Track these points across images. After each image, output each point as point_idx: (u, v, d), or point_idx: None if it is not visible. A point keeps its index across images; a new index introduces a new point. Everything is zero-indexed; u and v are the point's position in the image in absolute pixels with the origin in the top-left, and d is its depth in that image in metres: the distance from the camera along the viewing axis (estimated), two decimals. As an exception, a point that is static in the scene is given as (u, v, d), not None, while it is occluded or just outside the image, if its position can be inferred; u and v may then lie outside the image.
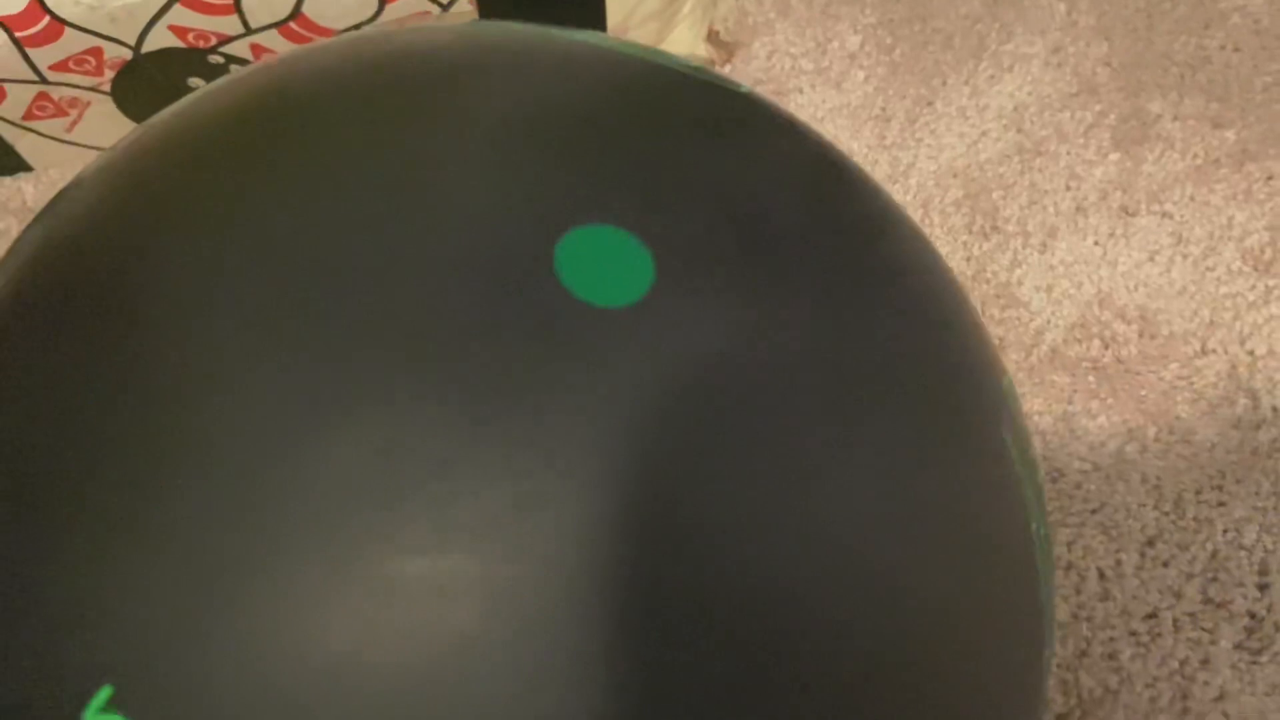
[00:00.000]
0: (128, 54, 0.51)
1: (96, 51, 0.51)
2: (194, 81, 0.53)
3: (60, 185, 0.57)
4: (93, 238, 0.20)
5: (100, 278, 0.20)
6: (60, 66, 0.51)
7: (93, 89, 0.53)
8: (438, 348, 0.18)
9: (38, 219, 0.23)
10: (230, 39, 0.51)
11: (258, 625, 0.17)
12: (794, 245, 0.20)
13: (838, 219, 0.22)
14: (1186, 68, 0.54)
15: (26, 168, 0.57)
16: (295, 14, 0.50)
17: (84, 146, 0.57)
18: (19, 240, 0.23)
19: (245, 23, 0.50)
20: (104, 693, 0.17)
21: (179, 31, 0.50)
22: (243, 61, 0.52)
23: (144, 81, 0.53)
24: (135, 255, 0.20)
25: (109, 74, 0.52)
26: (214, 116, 0.22)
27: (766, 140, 0.22)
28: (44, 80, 0.52)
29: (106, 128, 0.56)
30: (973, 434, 0.21)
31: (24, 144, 0.56)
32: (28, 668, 0.18)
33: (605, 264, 0.19)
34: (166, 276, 0.19)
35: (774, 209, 0.21)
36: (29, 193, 0.57)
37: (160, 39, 0.51)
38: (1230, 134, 0.51)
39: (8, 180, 0.58)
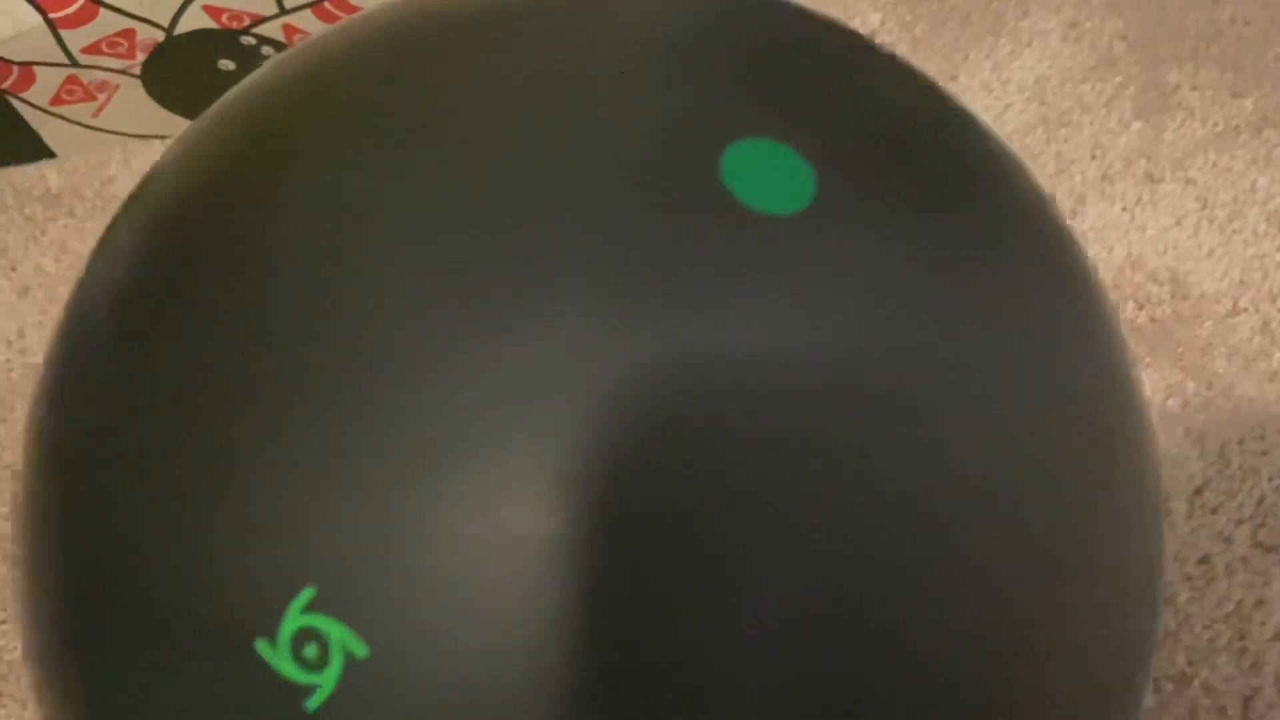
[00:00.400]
0: (160, 35, 0.51)
1: (129, 34, 0.51)
2: (224, 64, 0.53)
3: (84, 173, 0.57)
4: (257, 164, 0.21)
5: (274, 201, 0.20)
6: (92, 49, 0.51)
7: (123, 72, 0.53)
8: (615, 250, 0.18)
9: (168, 162, 0.24)
10: (264, 19, 0.51)
11: (450, 521, 0.17)
12: (940, 162, 0.21)
13: (969, 140, 0.22)
14: (1200, 40, 0.55)
15: (50, 154, 0.57)
16: (330, -7, 0.50)
17: (109, 133, 0.57)
18: (154, 178, 0.23)
19: (280, 2, 0.50)
20: (306, 594, 0.17)
21: (213, 12, 0.50)
22: (275, 43, 0.53)
23: (174, 64, 0.53)
24: (308, 176, 0.20)
25: (140, 56, 0.52)
26: (356, 47, 0.22)
27: (895, 63, 0.23)
28: (75, 63, 0.52)
29: (134, 112, 0.55)
30: (1115, 350, 0.22)
31: (49, 129, 0.56)
32: (231, 574, 0.18)
33: (768, 175, 0.19)
34: (342, 193, 0.19)
35: (919, 127, 0.21)
36: (53, 179, 0.57)
37: (194, 20, 0.51)
38: (1248, 102, 0.53)
39: (30, 168, 0.57)
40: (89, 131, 0.56)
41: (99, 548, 0.19)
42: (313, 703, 0.17)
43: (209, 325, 0.19)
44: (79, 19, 0.49)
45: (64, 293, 0.52)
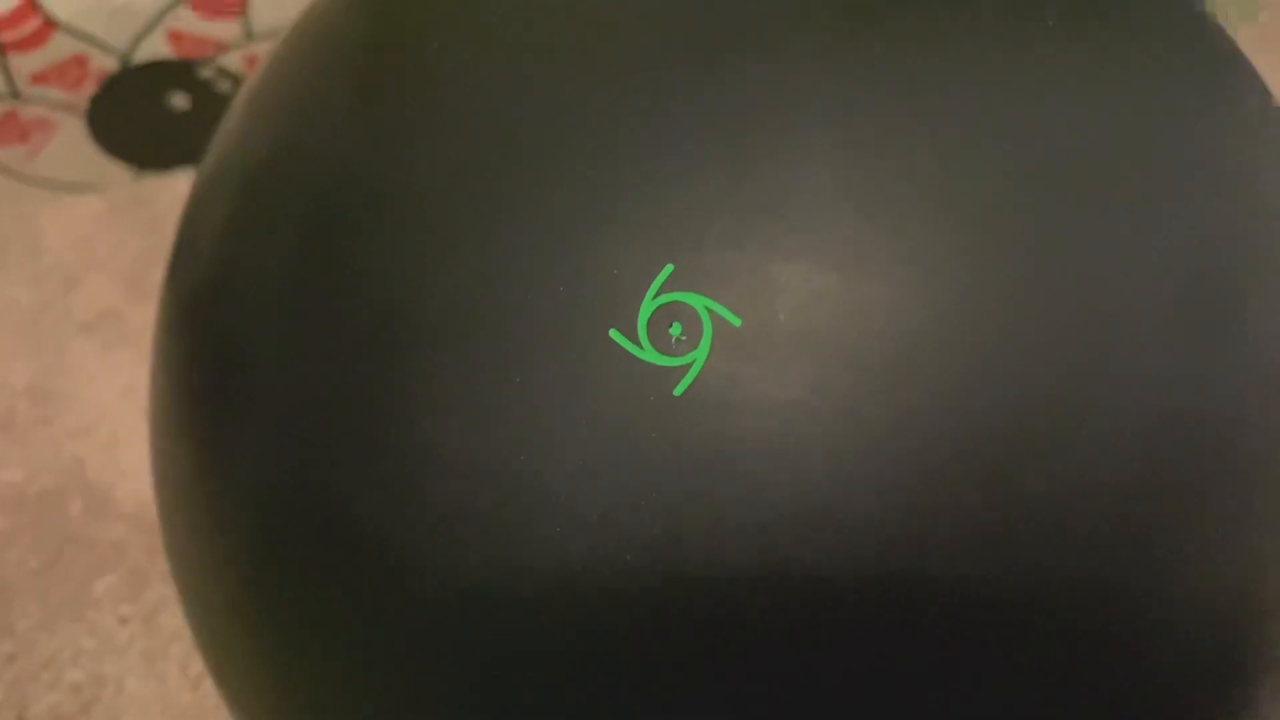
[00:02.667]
0: (114, 64, 0.49)
1: (81, 60, 0.48)
2: (176, 100, 0.52)
3: (8, 228, 0.53)
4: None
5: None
6: (42, 78, 0.48)
7: (68, 107, 0.50)
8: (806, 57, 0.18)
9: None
10: (228, 48, 0.50)
11: None
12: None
13: None
14: None
15: (-30, 206, 0.53)
16: (301, 19, 0.50)
17: (39, 181, 0.53)
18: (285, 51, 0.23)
19: (248, 29, 0.49)
20: (666, 271, 0.16)
21: (176, 38, 0.49)
22: (234, 76, 0.51)
23: (124, 98, 0.51)
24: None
25: (89, 89, 0.50)
26: None
27: None
28: (18, 96, 0.49)
29: (71, 157, 0.52)
30: None
31: (-26, 176, 0.52)
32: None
33: None
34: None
35: None
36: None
37: (154, 46, 0.49)
38: None
39: (-54, 222, 0.53)
40: (14, 183, 0.52)
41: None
42: (679, 388, 0.16)
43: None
44: (32, 42, 0.47)
45: None
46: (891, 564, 0.16)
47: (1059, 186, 0.17)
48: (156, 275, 0.51)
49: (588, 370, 0.16)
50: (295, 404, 0.19)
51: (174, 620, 0.39)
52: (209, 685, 0.38)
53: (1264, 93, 0.21)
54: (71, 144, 0.52)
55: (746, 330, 0.16)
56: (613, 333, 0.16)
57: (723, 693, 0.16)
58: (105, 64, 0.49)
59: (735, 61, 0.17)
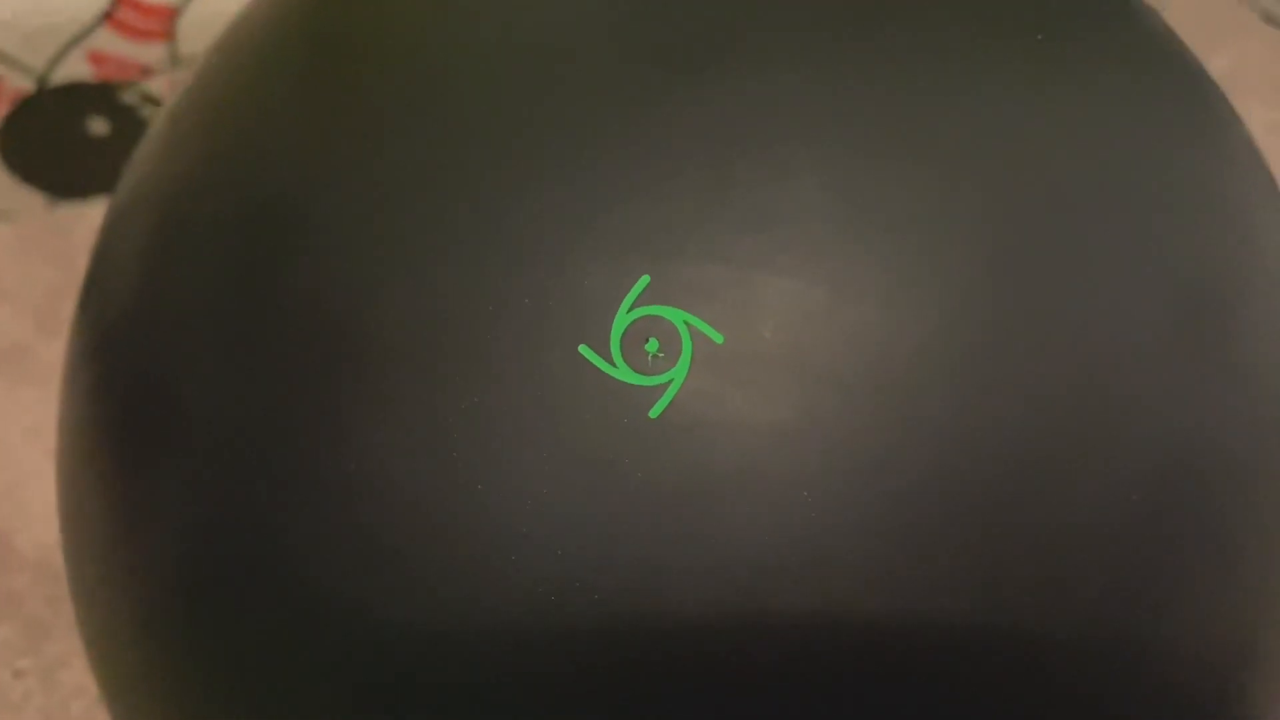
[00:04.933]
0: (30, 84, 0.47)
1: (-5, 80, 0.46)
2: (95, 125, 0.49)
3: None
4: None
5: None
6: (-50, 98, 0.46)
7: (-23, 129, 0.48)
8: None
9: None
10: (152, 73, 0.48)
11: None
12: None
13: None
14: None
15: None
16: (231, 44, 0.48)
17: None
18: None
19: (174, 53, 0.47)
20: (642, 282, 0.15)
21: (97, 60, 0.47)
22: (156, 102, 0.49)
23: (39, 123, 0.48)
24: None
25: (3, 108, 0.47)
26: None
27: None
28: (-77, 116, 0.46)
29: (-22, 183, 0.50)
30: None
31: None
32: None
33: None
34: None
35: None
36: None
37: (72, 67, 0.47)
38: None
39: None
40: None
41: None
42: (655, 409, 0.15)
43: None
44: (-59, 59, 0.44)
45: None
46: (878, 603, 0.15)
47: (1049, 208, 0.17)
48: (68, 309, 0.48)
49: (554, 390, 0.15)
50: (224, 435, 0.17)
51: (76, 676, 0.36)
52: (113, 746, 0.35)
53: (1230, 111, 0.21)
54: (-20, 169, 0.49)
55: (729, 347, 0.15)
56: (582, 348, 0.15)
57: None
58: (20, 84, 0.46)
59: (722, 70, 0.16)
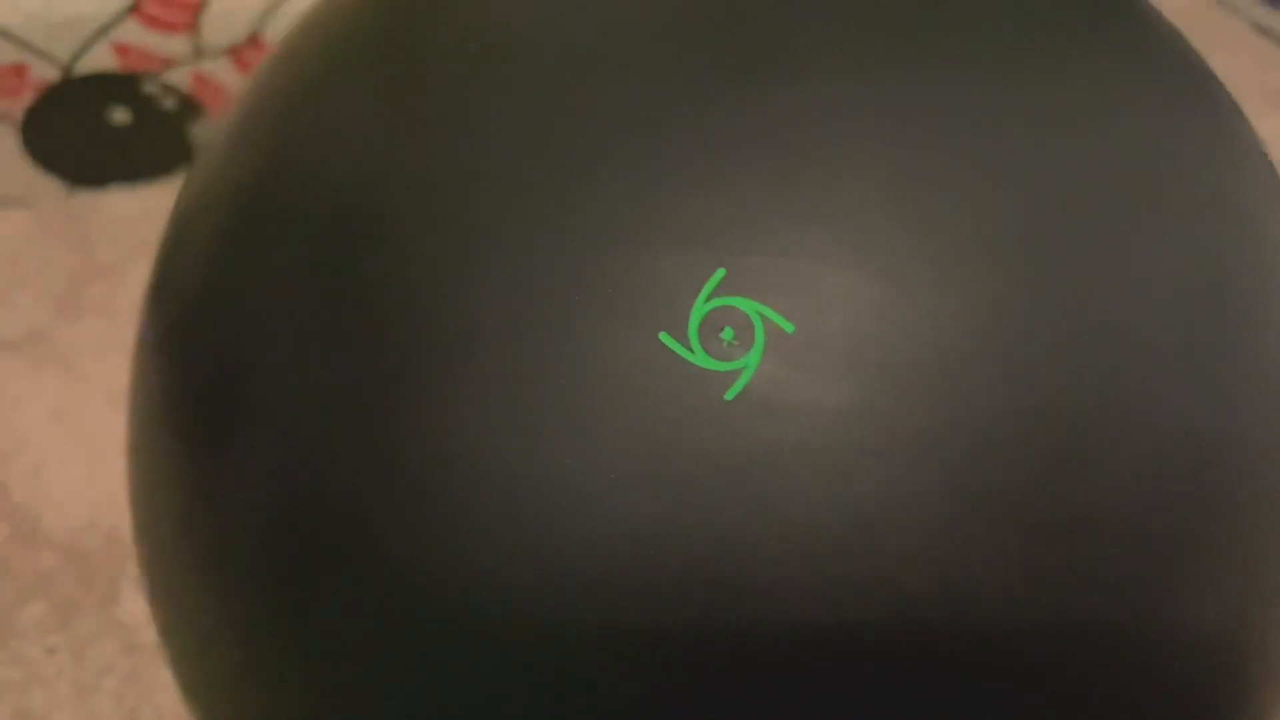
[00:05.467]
0: (56, 74, 0.47)
1: (22, 70, 0.47)
2: (117, 115, 0.50)
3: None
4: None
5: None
6: (-24, 84, 0.47)
7: (2, 117, 0.48)
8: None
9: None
10: (175, 64, 0.49)
11: None
12: None
13: None
14: None
15: (-112, 216, 0.50)
16: (253, 37, 0.49)
17: (-35, 191, 0.51)
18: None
19: (198, 45, 0.48)
20: (718, 275, 0.16)
21: (121, 51, 0.48)
22: (179, 93, 0.50)
23: (63, 111, 0.49)
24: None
25: (28, 98, 0.48)
26: None
27: None
28: (-52, 102, 0.47)
29: (2, 170, 0.50)
30: None
31: (-104, 184, 0.49)
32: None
33: None
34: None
35: None
36: (-109, 243, 0.50)
37: (98, 59, 0.47)
38: None
39: None
40: (-62, 192, 0.50)
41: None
42: (730, 392, 0.16)
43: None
44: (-31, 47, 0.45)
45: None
46: (925, 574, 0.16)
47: (1080, 207, 0.18)
48: (88, 295, 0.49)
49: (635, 374, 0.16)
50: (304, 409, 0.18)
51: (106, 653, 0.37)
52: (146, 717, 0.36)
53: (1238, 111, 0.22)
54: (2, 155, 0.50)
55: (799, 337, 0.16)
56: (663, 335, 0.16)
57: (762, 708, 0.16)
58: (46, 74, 0.47)
59: (788, 75, 0.17)
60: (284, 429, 0.18)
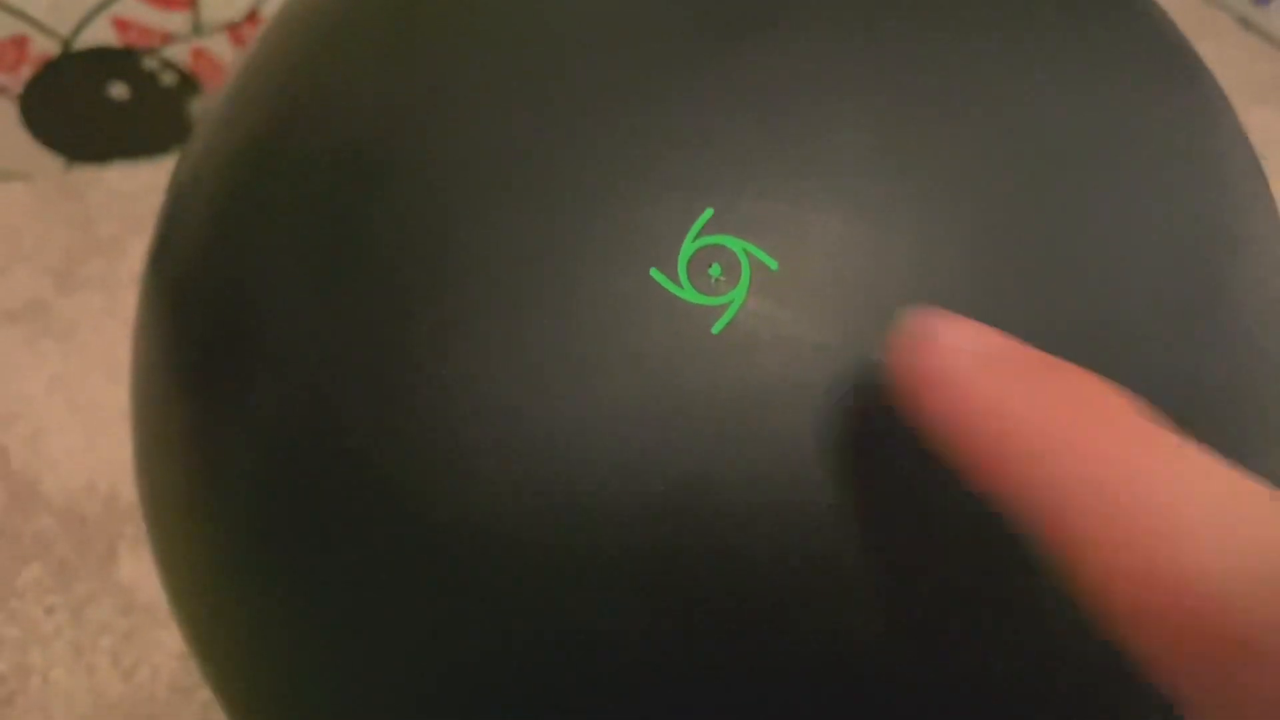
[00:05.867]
0: (55, 48, 0.48)
1: (22, 42, 0.47)
2: (116, 90, 0.51)
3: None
4: None
5: None
6: (-24, 57, 0.47)
7: (1, 90, 0.49)
8: None
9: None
10: (174, 40, 0.49)
11: None
12: None
13: None
14: None
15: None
16: (252, 14, 0.50)
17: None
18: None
19: (197, 21, 0.49)
20: (706, 215, 0.17)
21: (121, 26, 0.48)
22: (178, 69, 0.51)
23: (61, 85, 0.50)
24: None
25: (26, 72, 0.49)
26: None
27: None
28: (-50, 74, 0.47)
29: (1, 143, 0.51)
30: None
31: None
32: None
33: None
34: None
35: None
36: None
37: (98, 33, 0.48)
38: None
39: None
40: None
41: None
42: (717, 326, 0.17)
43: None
44: (-29, 19, 0.45)
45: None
46: (899, 505, 0.17)
47: (1062, 164, 0.19)
48: (86, 269, 0.50)
49: (627, 309, 0.17)
50: (311, 351, 0.18)
51: (104, 613, 0.38)
52: (143, 677, 0.36)
53: (1216, 85, 0.23)
54: (1, 129, 0.50)
55: (782, 274, 0.17)
56: (653, 272, 0.17)
57: (750, 638, 0.17)
58: (46, 48, 0.48)
59: (778, 29, 0.18)
60: (288, 374, 0.19)
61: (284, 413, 0.19)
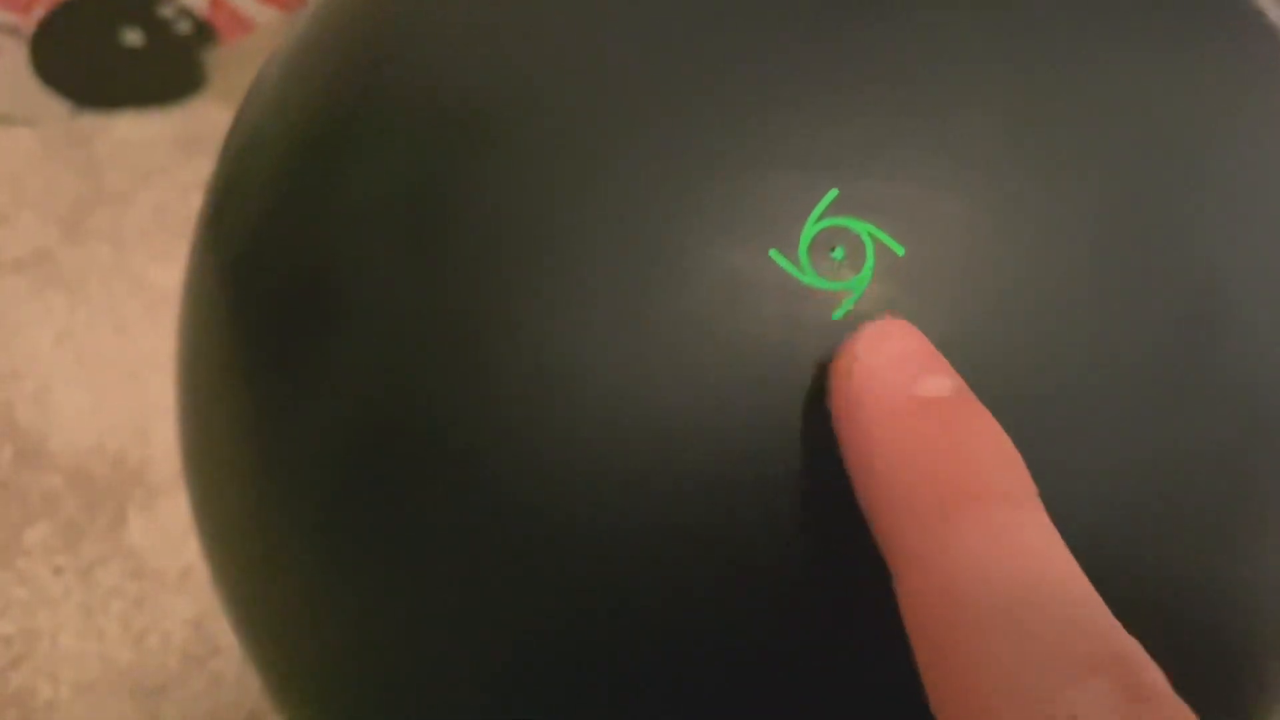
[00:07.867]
0: (70, -10, 0.46)
1: (35, -18, 0.46)
2: (129, 36, 0.49)
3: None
4: None
5: None
6: (-13, -5, 0.45)
7: (12, 31, 0.47)
8: None
9: None
10: (193, -14, 0.48)
11: None
12: None
13: None
14: None
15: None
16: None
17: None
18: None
19: (217, -33, 0.47)
20: (830, 195, 0.16)
21: (139, -31, 0.46)
22: (195, 17, 0.49)
23: (73, 28, 0.48)
24: None
25: (37, 13, 0.47)
26: None
27: None
28: (-42, 11, 0.46)
29: (4, 87, 0.49)
30: None
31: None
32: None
33: None
34: None
35: None
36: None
37: (115, -24, 0.46)
38: None
39: None
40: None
41: None
42: (838, 312, 0.16)
43: None
44: (-17, -45, 0.44)
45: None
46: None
47: (1172, 152, 0.18)
48: (93, 219, 0.48)
49: (745, 289, 0.16)
50: (397, 323, 0.17)
51: (113, 576, 0.37)
52: (154, 644, 0.35)
53: None
54: (8, 71, 0.49)
55: (909, 260, 0.16)
56: (773, 252, 0.16)
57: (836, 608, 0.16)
58: (59, -12, 0.46)
59: (908, 10, 0.17)
60: (367, 346, 0.18)
61: (358, 389, 0.18)
